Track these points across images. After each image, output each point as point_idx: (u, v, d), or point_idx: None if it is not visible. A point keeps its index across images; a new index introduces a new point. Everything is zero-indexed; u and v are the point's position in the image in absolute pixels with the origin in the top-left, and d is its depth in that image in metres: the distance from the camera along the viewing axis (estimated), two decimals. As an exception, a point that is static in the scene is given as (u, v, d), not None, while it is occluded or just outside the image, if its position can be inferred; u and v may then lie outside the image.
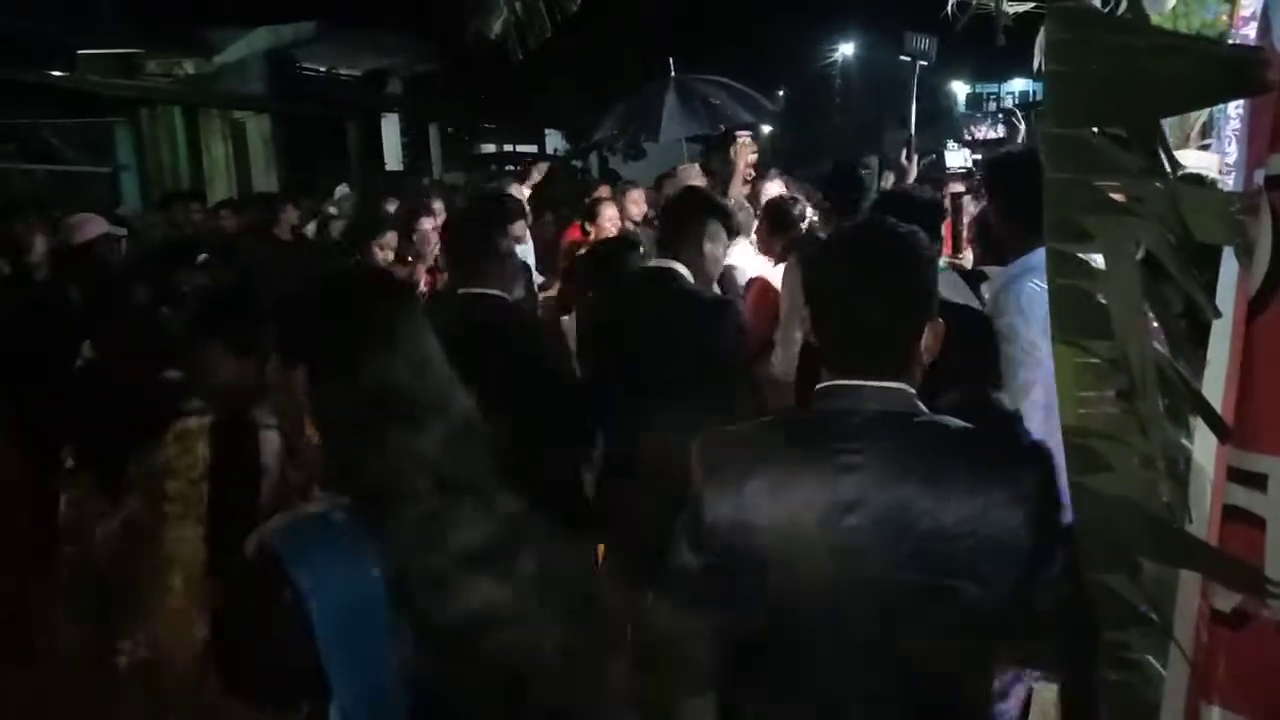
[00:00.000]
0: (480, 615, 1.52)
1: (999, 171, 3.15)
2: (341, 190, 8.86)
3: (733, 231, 3.30)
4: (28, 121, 11.50)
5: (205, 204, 7.99)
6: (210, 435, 2.30)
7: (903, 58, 6.29)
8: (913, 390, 1.54)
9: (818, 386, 1.57)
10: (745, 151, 5.83)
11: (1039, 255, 2.84)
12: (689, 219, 3.15)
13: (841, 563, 1.47)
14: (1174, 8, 3.23)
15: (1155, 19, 3.10)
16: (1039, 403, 2.68)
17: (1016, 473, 1.45)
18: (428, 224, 4.70)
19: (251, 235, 6.16)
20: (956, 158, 7.22)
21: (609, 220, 5.42)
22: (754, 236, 4.79)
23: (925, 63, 6.22)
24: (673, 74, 8.01)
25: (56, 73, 11.67)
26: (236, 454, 2.28)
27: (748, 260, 4.56)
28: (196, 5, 13.99)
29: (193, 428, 2.30)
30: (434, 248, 4.58)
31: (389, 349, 1.53)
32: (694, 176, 5.89)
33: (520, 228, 4.87)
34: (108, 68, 12.87)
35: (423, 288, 4.60)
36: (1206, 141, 3.81)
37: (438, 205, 5.27)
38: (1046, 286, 2.66)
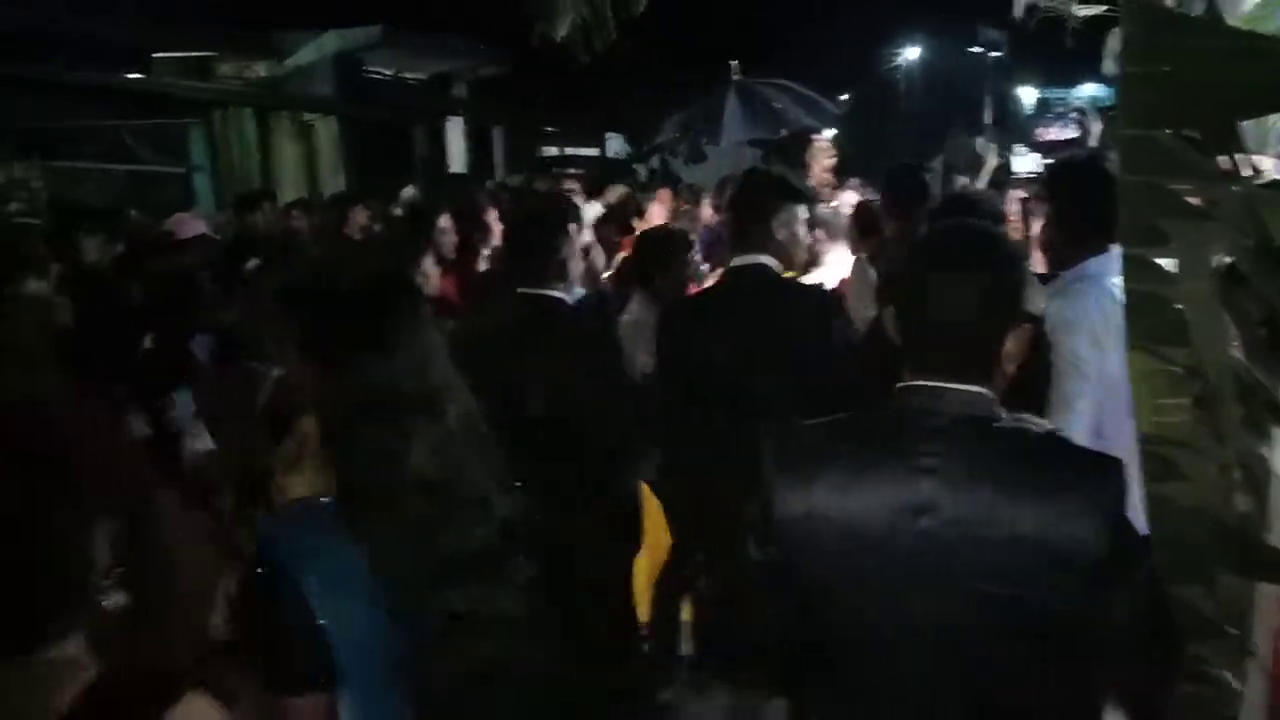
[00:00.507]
0: (463, 619, 1.53)
1: (1060, 176, 3.11)
2: (408, 192, 9.00)
3: (808, 203, 3.17)
4: (107, 123, 11.86)
5: (276, 204, 8.16)
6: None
7: (974, 49, 6.24)
8: (994, 395, 1.53)
9: (897, 385, 1.57)
10: (822, 156, 5.80)
11: (1093, 264, 2.81)
12: (759, 206, 3.04)
13: (912, 565, 1.46)
14: (1251, 10, 3.15)
15: (1231, 21, 3.02)
16: (1085, 416, 2.64)
17: (1095, 483, 1.43)
18: (494, 213, 4.80)
19: (323, 235, 6.32)
20: (1025, 162, 7.09)
21: (656, 218, 5.44)
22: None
23: (997, 53, 6.17)
24: (735, 77, 8.02)
25: (134, 75, 12.01)
26: None
27: (836, 269, 4.51)
28: (269, 10, 14.29)
29: (309, 430, 2.34)
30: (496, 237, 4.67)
31: (386, 349, 1.54)
32: None
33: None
34: (183, 71, 13.21)
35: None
36: (1287, 146, 3.69)
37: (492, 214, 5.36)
38: (1100, 295, 2.63)
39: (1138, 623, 1.43)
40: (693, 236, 4.70)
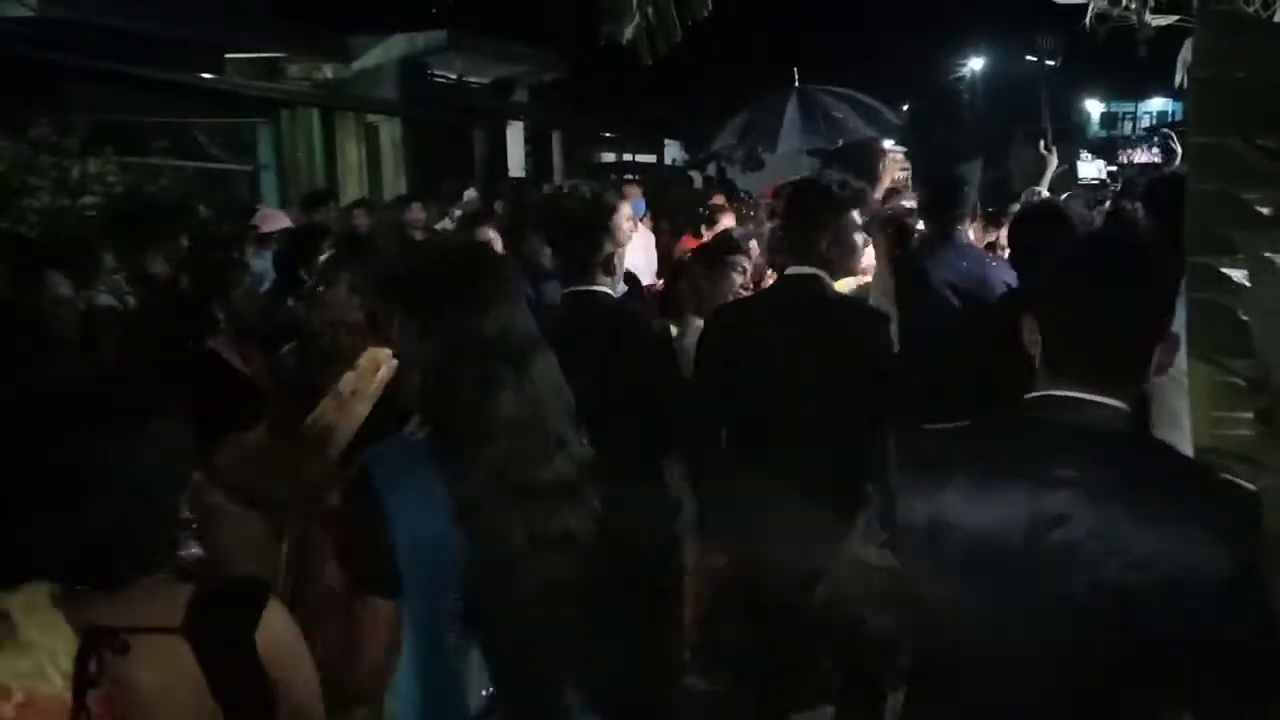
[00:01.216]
0: (542, 538, 1.78)
1: (1162, 191, 3.07)
2: (470, 194, 9.14)
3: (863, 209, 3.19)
4: (179, 121, 12.16)
5: (338, 203, 8.32)
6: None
7: (1029, 57, 6.21)
8: (1129, 410, 1.50)
9: (1030, 395, 1.55)
10: (893, 167, 5.81)
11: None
12: (809, 216, 3.05)
13: (1040, 577, 1.45)
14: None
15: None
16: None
17: (1225, 510, 1.42)
18: None
19: (384, 232, 6.47)
20: (1090, 169, 6.94)
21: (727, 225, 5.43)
22: None
23: (1052, 61, 6.13)
24: (796, 84, 7.98)
25: (207, 75, 12.31)
26: None
27: None
28: (338, 13, 14.56)
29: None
30: None
31: (479, 307, 1.80)
32: None
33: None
34: (253, 71, 13.51)
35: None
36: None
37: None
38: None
39: (1253, 654, 1.41)
40: (753, 244, 4.69)
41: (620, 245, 3.12)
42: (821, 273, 3.00)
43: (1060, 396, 1.51)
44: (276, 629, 1.46)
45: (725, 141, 9.01)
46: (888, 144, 6.85)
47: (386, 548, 1.73)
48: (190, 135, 12.40)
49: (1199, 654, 1.42)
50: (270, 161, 13.70)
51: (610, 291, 3.14)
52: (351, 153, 14.93)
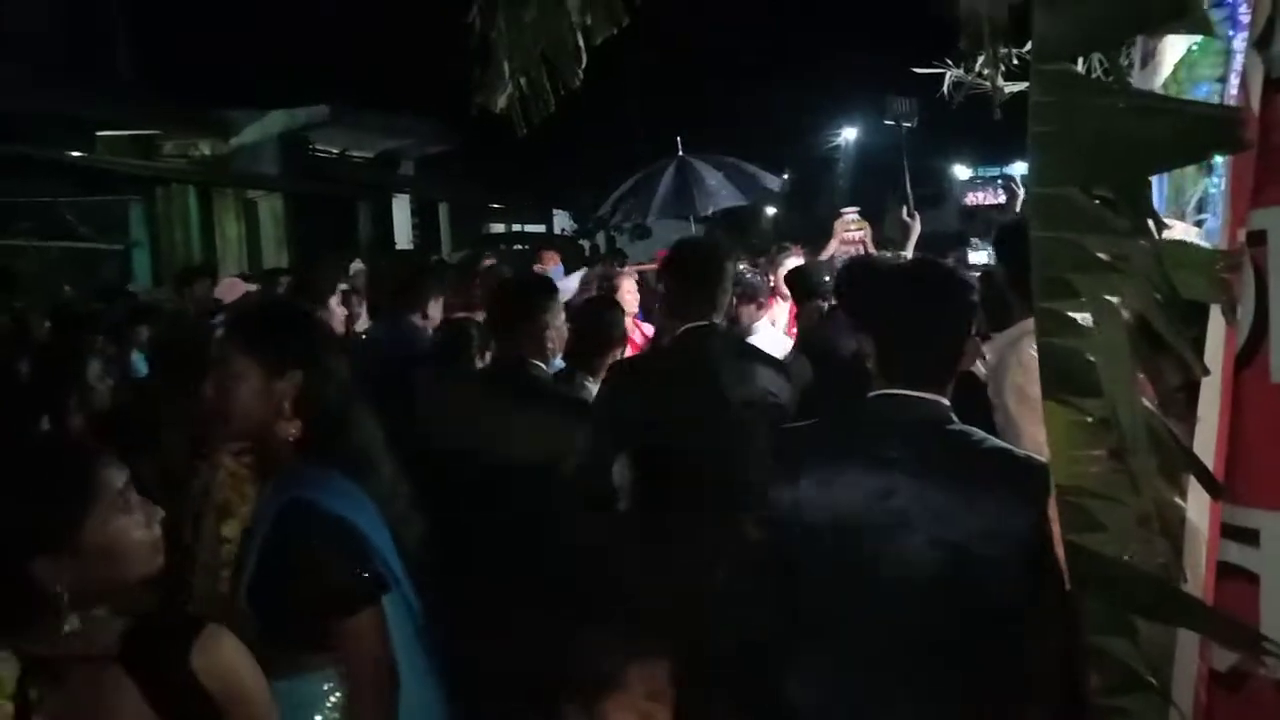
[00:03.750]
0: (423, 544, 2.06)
1: (1008, 237, 3.17)
2: (356, 266, 8.97)
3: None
4: (46, 200, 11.72)
5: (215, 279, 8.09)
6: None
7: (886, 121, 6.48)
8: (947, 402, 1.87)
9: (870, 394, 1.92)
10: (843, 227, 6.09)
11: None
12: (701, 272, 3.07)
13: (880, 539, 1.80)
14: (1163, 85, 3.28)
15: (1155, 82, 3.13)
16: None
17: (1024, 478, 1.73)
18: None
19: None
20: (980, 256, 7.25)
21: (628, 293, 5.27)
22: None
23: (908, 124, 6.42)
24: (680, 153, 8.12)
25: (75, 152, 11.92)
26: None
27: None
28: (216, 89, 14.33)
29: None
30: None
31: (340, 351, 2.07)
32: None
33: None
34: (126, 148, 13.15)
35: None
36: (1203, 216, 3.84)
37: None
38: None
39: (1044, 594, 1.67)
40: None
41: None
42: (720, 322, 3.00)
43: (890, 394, 1.88)
44: (212, 654, 1.50)
45: (605, 210, 9.11)
46: (846, 209, 6.91)
47: (366, 558, 1.88)
48: (58, 214, 11.96)
49: (1010, 590, 1.73)
50: (143, 239, 13.29)
51: (543, 365, 3.11)
52: (231, 229, 14.61)
